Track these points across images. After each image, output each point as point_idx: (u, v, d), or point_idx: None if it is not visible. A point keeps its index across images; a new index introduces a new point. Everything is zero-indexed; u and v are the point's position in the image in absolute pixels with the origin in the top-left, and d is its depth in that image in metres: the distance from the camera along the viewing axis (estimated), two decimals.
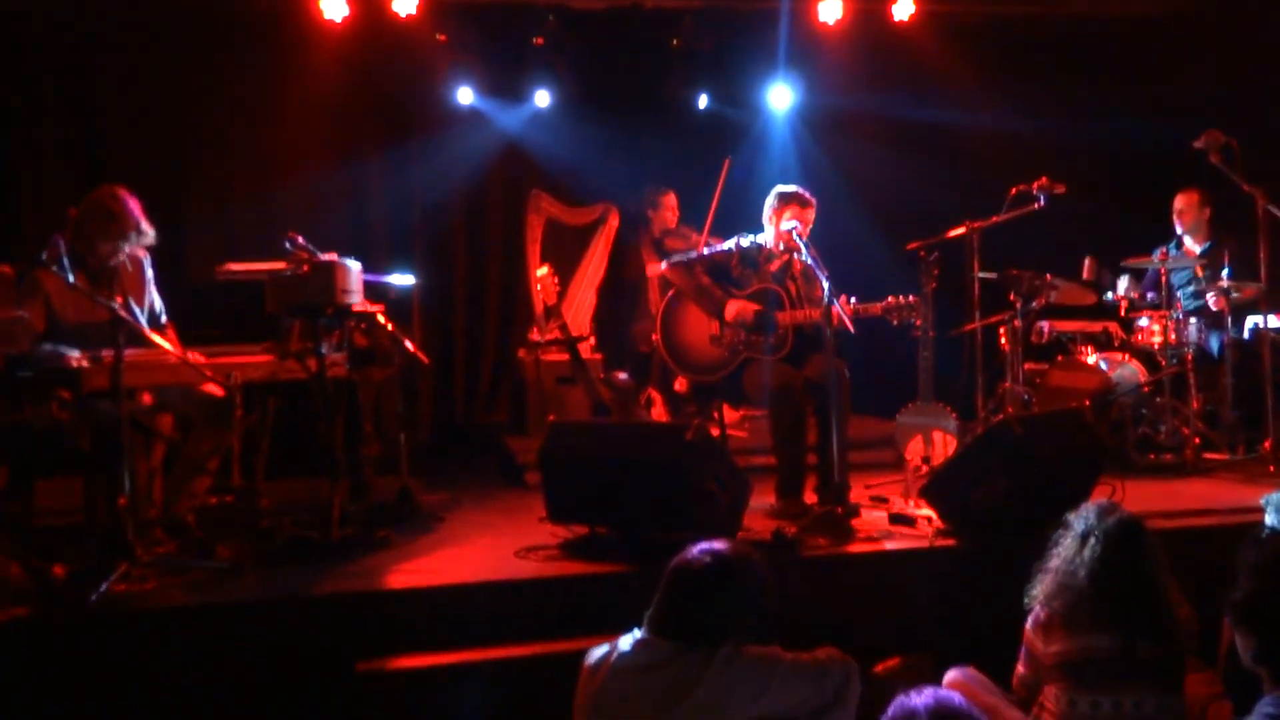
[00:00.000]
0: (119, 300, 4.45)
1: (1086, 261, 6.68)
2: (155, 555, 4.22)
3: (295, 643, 3.89)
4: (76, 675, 3.68)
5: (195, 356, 4.38)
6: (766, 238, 5.47)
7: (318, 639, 3.91)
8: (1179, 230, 6.87)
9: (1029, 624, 3.30)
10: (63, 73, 6.99)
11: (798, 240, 5.13)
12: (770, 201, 5.45)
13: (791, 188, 5.44)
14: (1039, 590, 3.26)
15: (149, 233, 4.71)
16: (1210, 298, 6.45)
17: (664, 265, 5.62)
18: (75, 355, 4.21)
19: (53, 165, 6.87)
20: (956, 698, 2.05)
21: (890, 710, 2.03)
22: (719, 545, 2.88)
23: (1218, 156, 6.21)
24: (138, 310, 4.73)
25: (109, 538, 4.12)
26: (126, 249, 4.70)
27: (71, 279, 4.27)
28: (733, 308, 5.33)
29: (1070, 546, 3.21)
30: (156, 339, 4.36)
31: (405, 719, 3.73)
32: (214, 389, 4.55)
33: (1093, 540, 3.15)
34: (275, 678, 3.81)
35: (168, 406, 4.70)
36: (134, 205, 4.66)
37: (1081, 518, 3.25)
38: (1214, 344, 6.50)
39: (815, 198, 5.44)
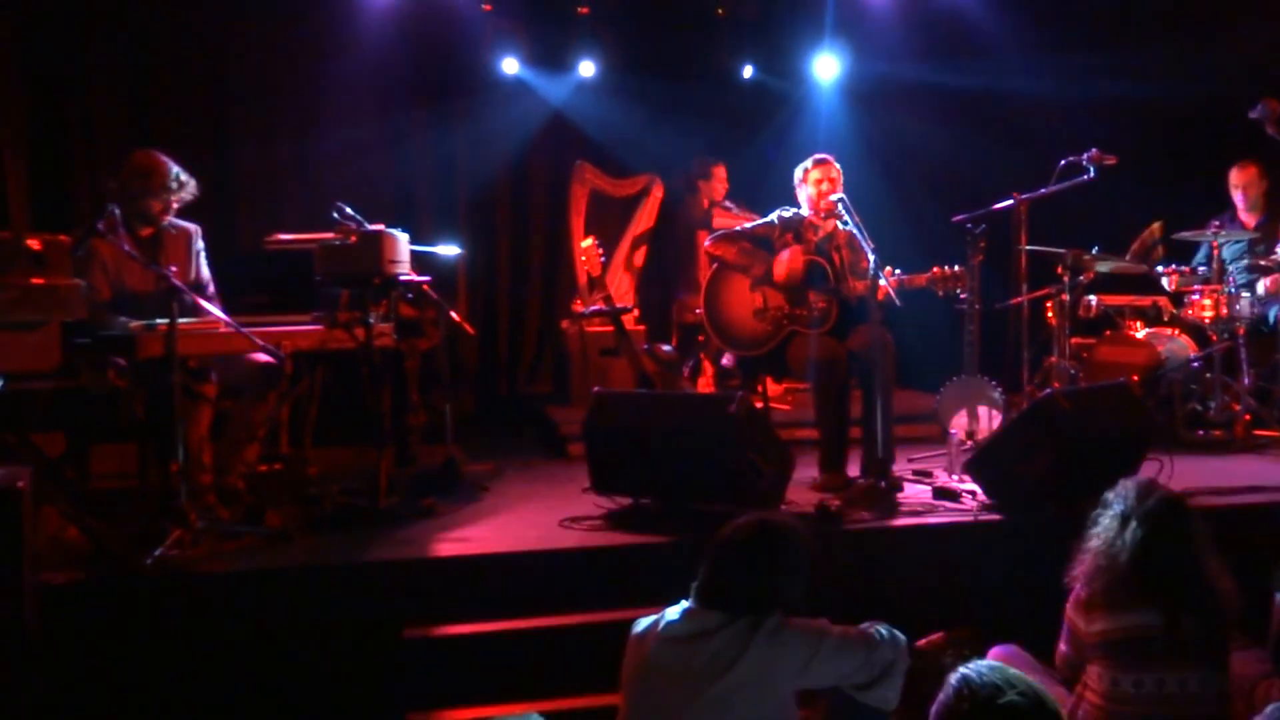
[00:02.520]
0: (172, 269, 4.51)
1: (1152, 226, 6.58)
2: (207, 521, 4.30)
3: (343, 609, 3.96)
4: (132, 637, 3.77)
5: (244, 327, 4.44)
6: (804, 208, 5.44)
7: (365, 605, 3.97)
8: (1237, 204, 6.75)
9: (1070, 603, 3.28)
10: (115, 45, 7.06)
11: (841, 209, 5.09)
12: (795, 174, 5.45)
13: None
14: (1079, 570, 3.25)
15: (190, 182, 4.77)
16: (1264, 283, 6.35)
17: (707, 241, 5.60)
18: (135, 324, 4.29)
19: (104, 135, 6.94)
20: (1012, 670, 2.04)
21: (955, 682, 2.01)
22: (763, 516, 2.90)
23: (1274, 127, 6.09)
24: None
25: (163, 503, 4.21)
26: (174, 203, 4.76)
27: (126, 248, 4.34)
28: (783, 263, 5.29)
29: (1110, 528, 3.18)
30: (209, 307, 4.42)
31: (451, 685, 3.78)
32: (264, 358, 4.61)
33: (1134, 523, 3.13)
34: (323, 643, 3.88)
35: (219, 374, 4.77)
36: (170, 163, 4.73)
37: (1120, 497, 3.22)
38: (1272, 313, 6.39)
39: (856, 166, 5.39)
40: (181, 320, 4.17)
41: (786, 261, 5.29)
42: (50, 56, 6.81)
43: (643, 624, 2.82)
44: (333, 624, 3.92)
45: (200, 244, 4.96)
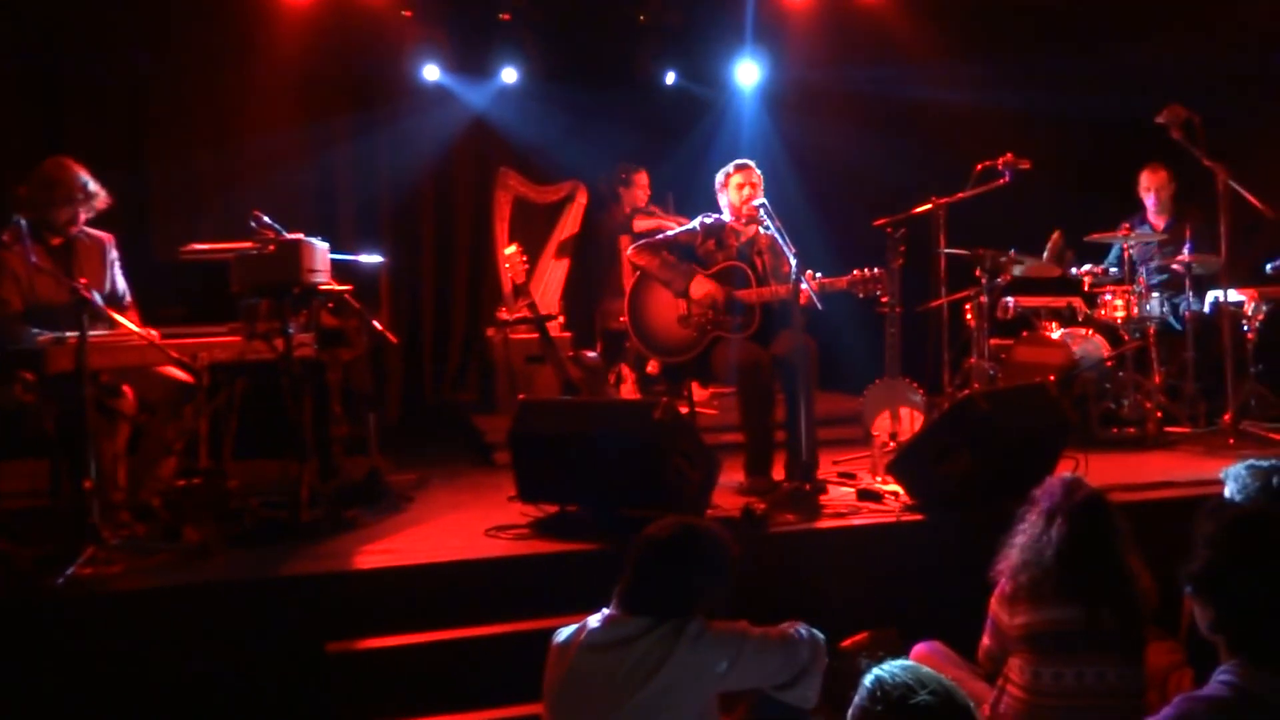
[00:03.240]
0: (82, 281, 4.40)
1: (1053, 236, 6.74)
2: (122, 538, 4.20)
3: (265, 624, 3.89)
4: (43, 659, 3.66)
5: (158, 339, 4.35)
6: (725, 214, 5.48)
7: (287, 620, 3.91)
8: (1147, 206, 6.93)
9: (994, 597, 3.34)
10: (24, 51, 6.88)
11: (763, 214, 5.13)
12: (717, 179, 5.48)
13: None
14: (1004, 564, 3.31)
15: (99, 193, 4.68)
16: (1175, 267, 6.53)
17: (630, 249, 5.61)
18: (44, 337, 4.18)
19: (12, 145, 6.76)
20: (925, 670, 2.08)
21: (869, 684, 2.05)
22: (683, 519, 2.91)
23: (1179, 132, 6.27)
24: (95, 294, 4.68)
25: (75, 521, 4.10)
26: (82, 214, 4.65)
27: (33, 259, 4.23)
28: (698, 287, 5.33)
29: (1036, 524, 3.25)
30: (122, 320, 4.33)
31: (377, 699, 3.74)
32: (179, 372, 4.52)
33: (1059, 518, 3.20)
34: (245, 659, 3.81)
35: (132, 388, 4.66)
36: (79, 171, 4.63)
37: (1047, 494, 3.29)
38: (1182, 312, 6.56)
39: (778, 171, 5.43)
40: (94, 333, 4.07)
41: (702, 286, 5.32)
42: None
43: (564, 634, 2.81)
44: (255, 640, 3.85)
45: (114, 254, 4.86)
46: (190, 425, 4.69)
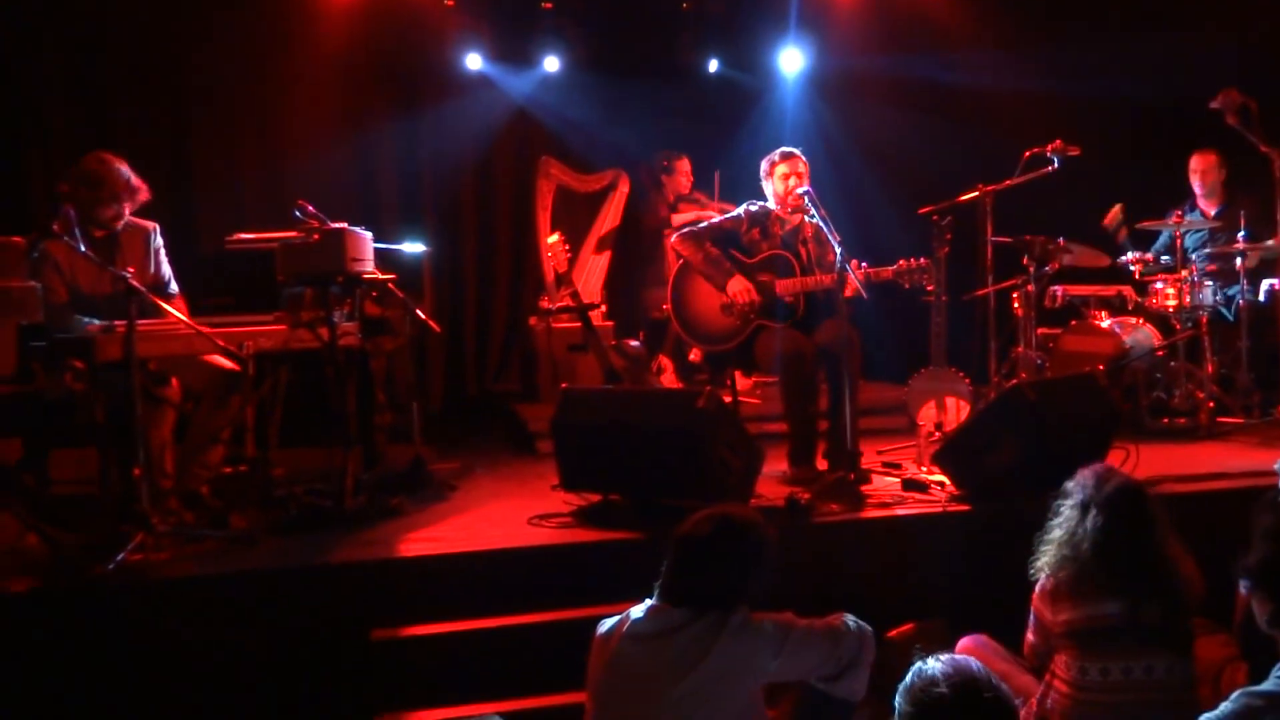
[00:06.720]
0: (130, 270, 4.45)
1: (1115, 208, 6.61)
2: (170, 525, 4.24)
3: (310, 611, 3.92)
4: (92, 645, 3.71)
5: (205, 328, 4.39)
6: (770, 202, 5.44)
7: (332, 608, 3.93)
8: (1196, 191, 6.81)
9: (1036, 593, 3.30)
10: (69, 42, 6.95)
11: (808, 203, 5.09)
12: (762, 167, 5.44)
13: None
14: (1043, 561, 3.26)
15: (140, 187, 4.70)
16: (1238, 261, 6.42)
17: (673, 238, 5.59)
18: (94, 325, 4.22)
19: (61, 137, 6.84)
20: (974, 663, 2.05)
21: (908, 677, 2.03)
22: (724, 510, 2.89)
23: (1234, 117, 6.14)
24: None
25: (124, 508, 4.15)
26: (127, 211, 4.69)
27: (82, 248, 4.28)
28: (736, 284, 5.28)
29: (1071, 518, 3.20)
30: (169, 309, 4.36)
31: (421, 686, 3.75)
32: (225, 361, 4.55)
33: (1094, 511, 3.15)
34: (290, 647, 3.84)
35: (178, 378, 4.70)
36: (121, 167, 4.66)
37: (1080, 486, 3.24)
38: (1235, 301, 6.44)
39: (822, 160, 5.38)
40: (140, 321, 4.11)
41: (742, 292, 5.27)
42: (1, 57, 6.69)
43: (607, 624, 2.81)
44: (300, 627, 3.88)
45: (159, 241, 4.90)
46: (236, 413, 4.74)
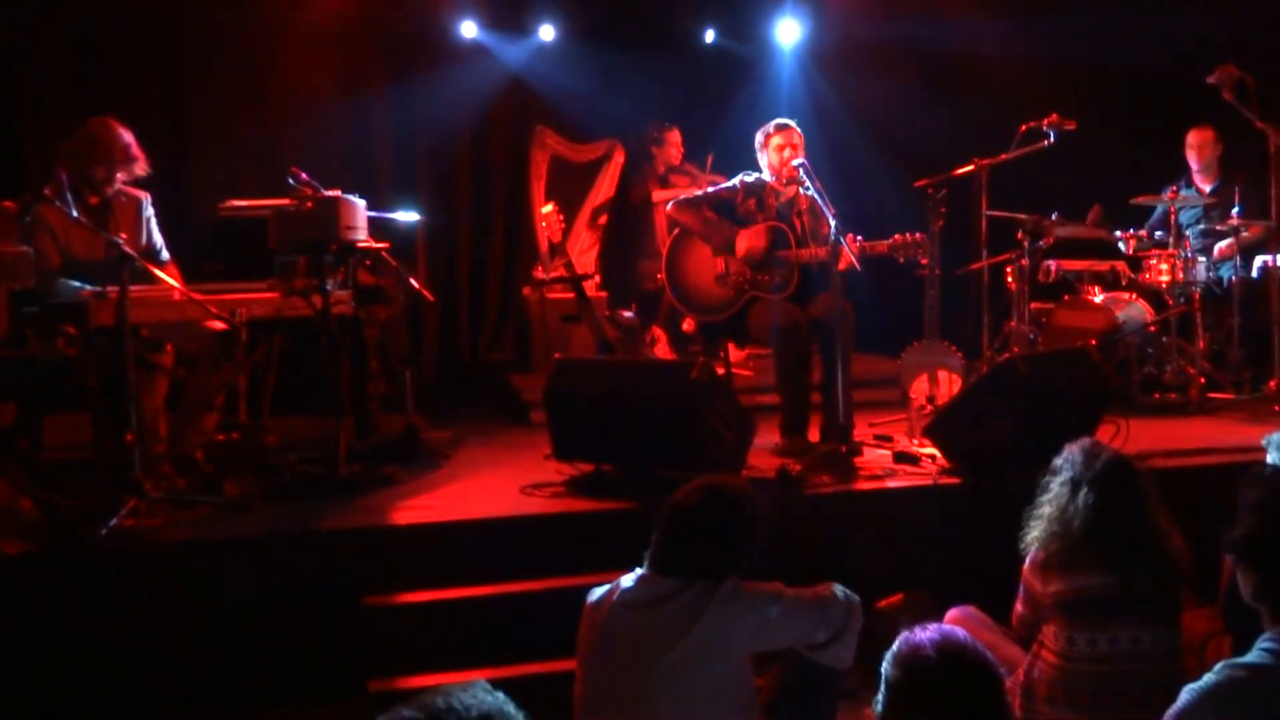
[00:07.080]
0: (123, 236, 4.43)
1: (1093, 209, 6.63)
2: (163, 491, 4.25)
3: (302, 578, 3.93)
4: (85, 609, 3.73)
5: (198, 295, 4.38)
6: (765, 173, 5.43)
7: (325, 574, 3.95)
8: (1192, 167, 6.81)
9: (1027, 565, 3.32)
10: (65, 12, 6.89)
11: (803, 175, 5.08)
12: (757, 138, 5.42)
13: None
14: (1034, 535, 3.28)
15: (139, 158, 4.69)
16: (1219, 247, 6.42)
17: (670, 205, 5.57)
18: (86, 291, 4.22)
19: (55, 103, 6.79)
20: (961, 633, 2.07)
21: (896, 645, 2.05)
22: (715, 480, 2.90)
23: (1231, 93, 6.13)
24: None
25: (117, 473, 4.16)
26: (120, 176, 4.67)
27: (75, 213, 4.26)
28: (744, 241, 5.28)
29: (1062, 494, 3.22)
30: (161, 275, 4.35)
31: (413, 653, 3.77)
32: (220, 326, 4.55)
33: (1085, 488, 3.16)
34: (282, 613, 3.86)
35: (171, 342, 4.70)
36: (123, 133, 4.65)
37: (1069, 463, 3.25)
38: (1226, 277, 6.45)
39: (817, 132, 5.36)
40: (133, 287, 4.10)
41: (748, 239, 5.27)
42: None
43: (597, 593, 2.82)
44: (292, 593, 3.90)
45: (150, 210, 4.89)
46: (230, 380, 4.74)
